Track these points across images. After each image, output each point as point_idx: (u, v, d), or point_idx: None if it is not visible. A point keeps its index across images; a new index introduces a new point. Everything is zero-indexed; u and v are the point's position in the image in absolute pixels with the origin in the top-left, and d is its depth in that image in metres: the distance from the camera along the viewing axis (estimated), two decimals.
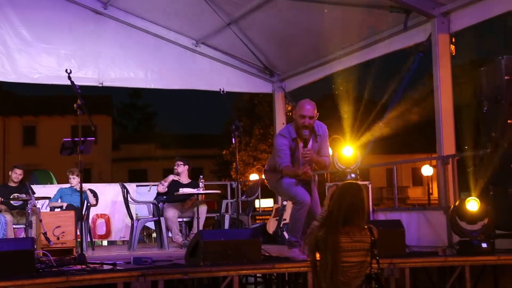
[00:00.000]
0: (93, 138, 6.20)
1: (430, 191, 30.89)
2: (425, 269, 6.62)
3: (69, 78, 5.83)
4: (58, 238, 6.52)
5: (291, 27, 9.51)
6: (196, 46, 10.50)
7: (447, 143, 7.56)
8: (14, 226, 7.65)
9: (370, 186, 7.95)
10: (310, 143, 5.89)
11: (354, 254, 3.58)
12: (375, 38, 8.73)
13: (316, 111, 5.86)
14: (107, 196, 9.87)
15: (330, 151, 6.82)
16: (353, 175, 7.96)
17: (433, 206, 11.08)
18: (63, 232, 6.62)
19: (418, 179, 36.14)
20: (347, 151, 8.24)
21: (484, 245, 6.06)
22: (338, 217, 3.60)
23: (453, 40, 7.70)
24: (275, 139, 6.10)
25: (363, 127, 9.06)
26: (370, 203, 7.86)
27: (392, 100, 9.01)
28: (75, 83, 5.91)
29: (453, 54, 7.71)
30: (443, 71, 7.66)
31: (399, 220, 6.41)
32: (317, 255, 3.66)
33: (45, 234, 6.39)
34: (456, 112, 7.85)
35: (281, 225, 8.66)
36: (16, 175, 8.24)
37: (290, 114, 11.35)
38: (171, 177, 8.91)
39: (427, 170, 28.71)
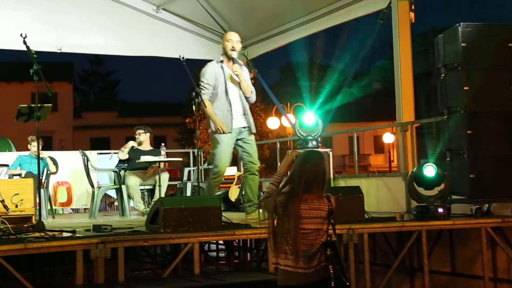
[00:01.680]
0: (50, 105, 6.08)
1: (391, 158, 31.35)
2: (384, 234, 6.76)
3: (24, 42, 5.69)
4: (16, 206, 6.41)
5: None
6: (156, 12, 10.35)
7: (407, 110, 7.65)
8: None
9: (331, 153, 7.99)
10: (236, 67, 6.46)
11: (311, 221, 3.61)
12: (336, 5, 8.72)
13: (240, 39, 6.64)
14: (68, 164, 9.77)
15: (292, 119, 7.07)
16: (314, 143, 8.00)
17: (393, 172, 11.30)
18: (22, 200, 6.51)
19: (379, 147, 36.60)
20: (308, 118, 8.27)
21: (440, 210, 6.19)
22: (299, 183, 3.62)
23: (413, 7, 7.74)
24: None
25: (324, 94, 9.10)
26: (331, 171, 7.93)
27: (354, 68, 9.06)
28: (33, 48, 5.77)
29: (413, 21, 7.76)
30: (402, 38, 7.71)
31: (358, 186, 6.49)
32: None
33: (2, 201, 6.29)
34: (416, 80, 7.93)
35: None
36: None
37: (253, 81, 11.32)
38: (131, 143, 8.86)
39: (388, 138, 29.05)
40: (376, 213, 6.76)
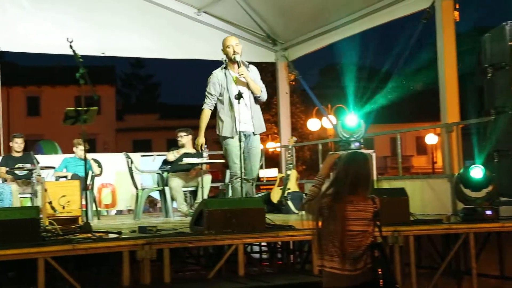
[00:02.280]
0: (96, 108, 6.18)
1: (434, 159, 30.90)
2: (429, 237, 6.65)
3: (71, 47, 5.80)
4: (63, 207, 6.53)
5: None
6: (197, 15, 10.41)
7: (451, 111, 7.54)
8: (20, 195, 7.69)
9: (374, 155, 7.94)
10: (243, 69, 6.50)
11: (357, 223, 3.58)
12: (378, 5, 8.65)
13: (238, 40, 6.66)
14: (112, 166, 9.90)
15: (334, 120, 7.04)
16: (357, 144, 7.94)
17: (437, 174, 11.10)
18: (69, 201, 6.63)
19: (422, 148, 36.11)
20: (351, 120, 8.21)
21: (488, 212, 6.06)
22: (344, 185, 3.59)
23: (457, 6, 7.62)
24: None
25: (366, 96, 9.02)
26: (374, 172, 7.86)
27: (396, 68, 8.95)
28: (77, 52, 5.88)
29: (457, 20, 7.64)
30: (447, 38, 7.59)
31: (402, 188, 6.40)
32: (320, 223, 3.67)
33: (50, 203, 6.42)
34: (460, 80, 7.80)
35: (286, 194, 8.69)
36: (18, 144, 8.26)
37: (293, 83, 11.31)
38: (183, 150, 8.91)
39: (431, 139, 28.64)
40: (421, 215, 6.66)
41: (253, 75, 6.73)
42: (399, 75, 8.73)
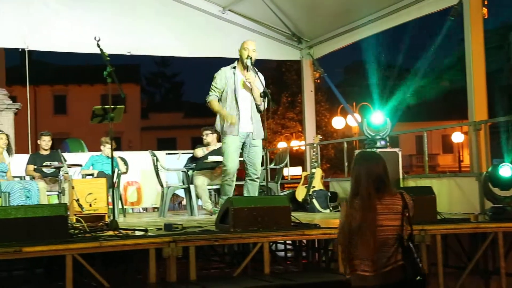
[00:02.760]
0: (123, 106, 6.22)
1: (461, 158, 30.57)
2: (457, 236, 6.58)
3: (98, 45, 5.85)
4: (90, 205, 6.60)
5: None
6: (222, 13, 10.42)
7: (479, 109, 7.44)
8: (47, 193, 7.77)
9: (400, 153, 7.87)
10: (251, 76, 6.64)
11: (385, 217, 3.58)
12: (405, 2, 8.57)
13: (255, 47, 6.74)
14: (137, 164, 9.96)
15: (358, 118, 7.05)
16: (382, 142, 7.88)
17: (465, 172, 10.98)
18: (95, 199, 6.70)
19: (448, 147, 35.74)
20: (377, 117, 8.15)
21: None
22: (361, 185, 3.61)
23: (486, 3, 7.51)
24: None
25: (392, 93, 8.95)
26: (400, 170, 7.79)
27: (423, 66, 8.87)
28: (104, 51, 5.92)
29: (485, 17, 7.53)
30: (475, 35, 7.49)
31: (430, 187, 6.34)
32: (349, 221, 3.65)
33: (77, 200, 6.48)
34: (488, 77, 7.70)
35: (310, 193, 8.67)
36: (45, 142, 8.35)
37: (318, 81, 11.27)
38: (211, 148, 8.94)
39: (457, 137, 28.33)
40: (448, 214, 6.59)
41: (258, 84, 6.80)
42: (426, 73, 8.65)
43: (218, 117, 6.92)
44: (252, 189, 6.88)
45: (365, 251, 3.54)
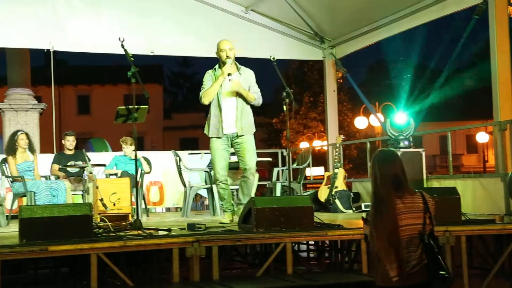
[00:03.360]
0: (147, 106, 6.26)
1: (486, 158, 30.24)
2: (481, 237, 6.51)
3: (122, 46, 5.89)
4: (114, 204, 6.65)
5: None
6: (245, 13, 10.43)
7: (505, 108, 7.36)
8: (72, 192, 7.85)
9: (423, 153, 7.82)
10: (235, 75, 6.63)
11: (407, 216, 3.57)
12: (428, 1, 8.49)
13: (232, 45, 6.65)
14: (160, 164, 10.01)
15: (381, 118, 6.91)
16: (406, 142, 7.83)
17: (490, 173, 10.83)
18: (119, 199, 6.75)
19: (472, 147, 35.41)
20: (400, 117, 8.10)
21: None
22: (381, 185, 3.60)
23: (511, 1, 7.43)
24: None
25: (416, 93, 8.88)
26: (424, 171, 7.74)
27: (447, 65, 8.79)
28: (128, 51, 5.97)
29: (511, 15, 7.45)
30: (500, 34, 7.41)
31: (454, 187, 6.28)
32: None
33: (101, 200, 6.54)
34: None
35: (333, 193, 8.64)
36: (70, 142, 8.42)
37: (341, 81, 11.23)
38: None
39: (482, 137, 28.03)
40: (473, 215, 6.53)
41: (249, 79, 6.77)
42: (450, 73, 8.57)
43: (207, 120, 6.85)
44: (245, 187, 6.74)
45: (392, 252, 3.52)
